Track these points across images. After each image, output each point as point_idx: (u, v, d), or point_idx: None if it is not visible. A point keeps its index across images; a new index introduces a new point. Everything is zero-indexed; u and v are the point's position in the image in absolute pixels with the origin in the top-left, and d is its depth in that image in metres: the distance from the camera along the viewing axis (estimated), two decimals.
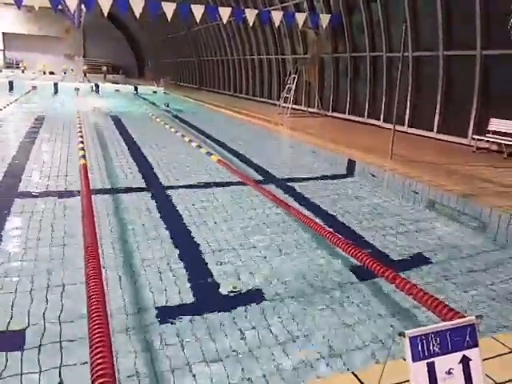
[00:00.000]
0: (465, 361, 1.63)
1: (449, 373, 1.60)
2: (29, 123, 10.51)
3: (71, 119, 11.18)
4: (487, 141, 8.27)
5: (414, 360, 1.57)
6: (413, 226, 4.75)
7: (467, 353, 1.63)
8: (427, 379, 1.58)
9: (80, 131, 9.21)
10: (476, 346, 1.65)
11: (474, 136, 8.51)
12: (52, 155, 7.24)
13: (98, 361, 2.05)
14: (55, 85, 21.77)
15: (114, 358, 2.12)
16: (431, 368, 1.59)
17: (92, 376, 1.95)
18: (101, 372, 1.98)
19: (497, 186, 5.62)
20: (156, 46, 36.11)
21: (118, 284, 3.14)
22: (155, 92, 23.47)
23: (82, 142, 7.87)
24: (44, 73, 37.65)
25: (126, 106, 17.09)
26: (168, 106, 16.58)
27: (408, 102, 10.57)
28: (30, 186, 5.50)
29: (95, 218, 4.03)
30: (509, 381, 1.83)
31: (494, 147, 8.35)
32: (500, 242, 4.32)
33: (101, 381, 1.91)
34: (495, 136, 8.04)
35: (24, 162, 6.62)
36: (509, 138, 7.79)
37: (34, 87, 21.22)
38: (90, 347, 2.15)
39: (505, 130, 7.92)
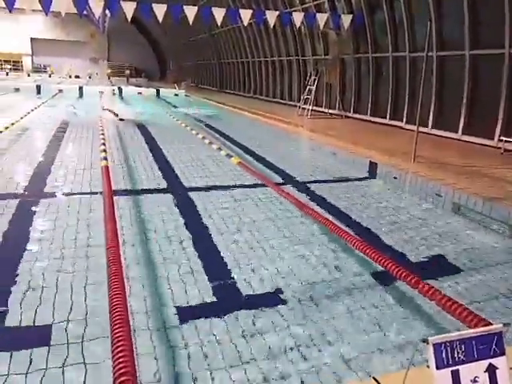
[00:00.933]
0: (491, 369, 1.58)
1: (474, 381, 1.56)
2: (54, 126, 10.87)
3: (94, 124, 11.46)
4: None
5: (438, 367, 1.54)
6: (436, 230, 4.64)
7: (494, 361, 1.59)
8: None
9: (102, 133, 9.45)
10: (503, 354, 1.61)
11: (502, 138, 8.24)
12: (76, 158, 7.46)
13: (120, 360, 2.11)
14: (80, 88, 22.42)
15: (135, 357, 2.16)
16: (456, 376, 1.55)
17: (114, 374, 2.00)
18: (123, 370, 2.03)
19: None
20: (177, 50, 36.66)
21: (139, 284, 3.21)
22: (176, 95, 23.81)
23: (104, 144, 8.07)
24: (70, 77, 38.83)
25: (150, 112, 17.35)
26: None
27: (432, 103, 10.34)
28: (55, 187, 5.67)
29: (117, 219, 4.14)
30: None
31: None
32: None
33: (122, 379, 1.96)
34: None
35: (50, 164, 6.85)
36: None
37: (61, 91, 21.93)
38: (112, 345, 2.21)
39: None
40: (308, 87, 14.28)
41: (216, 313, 2.85)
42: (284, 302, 3.01)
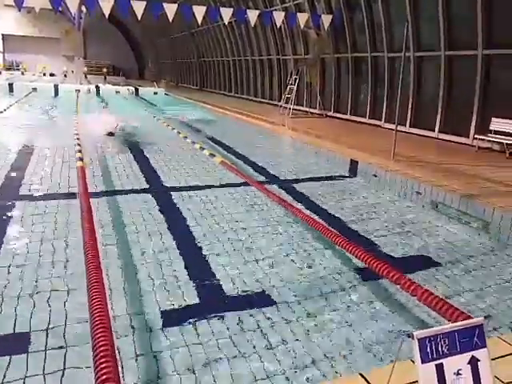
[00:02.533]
0: (473, 361, 1.63)
1: (458, 374, 1.60)
2: (27, 126, 10.51)
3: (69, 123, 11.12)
4: (489, 140, 8.27)
5: (422, 361, 1.57)
6: (415, 226, 4.75)
7: (476, 353, 1.63)
8: (436, 380, 1.58)
9: (76, 133, 9.19)
10: (484, 346, 1.65)
11: (476, 136, 8.51)
12: (51, 158, 7.24)
13: (102, 365, 2.05)
14: (55, 87, 21.76)
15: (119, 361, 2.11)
16: (440, 369, 1.59)
17: (96, 381, 1.94)
18: (105, 376, 1.97)
19: (499, 186, 5.61)
20: (157, 47, 36.15)
21: (120, 285, 3.14)
22: (156, 93, 23.45)
23: (79, 145, 7.84)
24: (44, 74, 37.68)
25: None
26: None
27: (410, 102, 10.57)
28: (31, 189, 5.49)
29: (94, 220, 4.04)
30: None
31: (496, 147, 8.35)
32: (502, 242, 4.31)
33: None
34: (497, 135, 8.03)
35: (24, 165, 6.63)
36: (510, 138, 7.78)
37: (35, 89, 21.22)
38: (94, 351, 2.15)
39: (507, 130, 7.92)
40: (289, 86, 14.35)
41: (199, 312, 2.83)
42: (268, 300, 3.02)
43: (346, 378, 1.86)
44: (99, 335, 2.26)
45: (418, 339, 1.58)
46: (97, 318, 2.40)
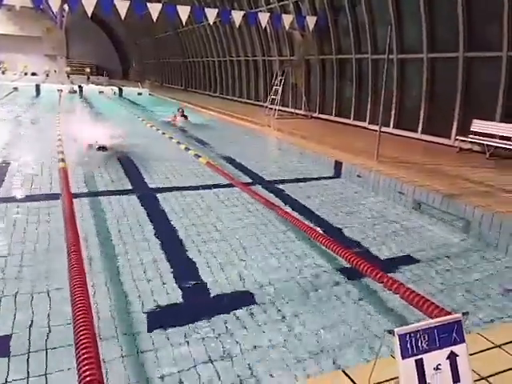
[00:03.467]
0: (452, 356, 1.66)
1: (437, 368, 1.63)
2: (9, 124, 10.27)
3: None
4: (470, 142, 8.46)
5: (403, 357, 1.60)
6: (398, 226, 4.82)
7: (454, 349, 1.67)
8: (416, 375, 1.61)
9: (59, 133, 9.03)
10: (463, 341, 1.69)
11: (458, 137, 8.69)
12: (33, 158, 7.10)
13: (85, 367, 2.02)
14: (37, 86, 21.33)
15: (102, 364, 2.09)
16: (420, 364, 1.62)
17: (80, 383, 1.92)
18: (88, 379, 1.95)
19: (480, 186, 5.75)
20: (141, 47, 35.80)
21: (103, 287, 3.10)
22: (140, 94, 23.22)
23: (60, 146, 7.71)
24: (26, 74, 36.87)
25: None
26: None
27: (393, 104, 10.74)
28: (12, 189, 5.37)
29: (77, 221, 3.99)
30: (494, 374, 1.87)
31: (477, 148, 8.55)
32: (483, 240, 4.42)
33: None
34: (478, 137, 8.23)
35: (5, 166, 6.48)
36: (491, 139, 7.98)
37: (16, 89, 20.75)
38: (77, 353, 2.12)
39: (487, 131, 8.11)
40: (274, 87, 14.40)
41: (184, 313, 2.81)
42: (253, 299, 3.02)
43: (328, 375, 1.88)
44: (82, 336, 2.23)
45: (399, 335, 1.60)
46: (80, 320, 2.37)
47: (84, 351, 2.12)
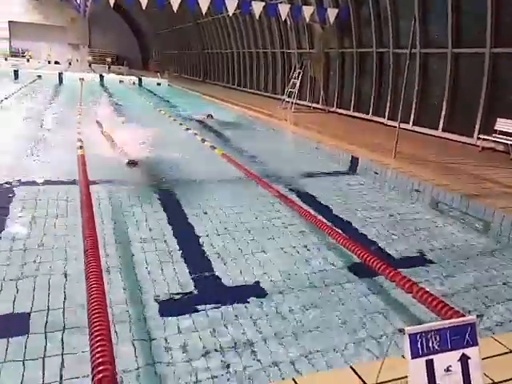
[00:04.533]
0: (464, 359, 1.63)
1: (447, 370, 1.61)
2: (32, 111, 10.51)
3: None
4: (493, 141, 8.21)
5: (412, 356, 1.57)
6: (414, 225, 4.74)
7: (467, 351, 1.64)
8: (426, 376, 1.58)
9: (78, 123, 9.17)
10: (476, 344, 1.65)
11: (480, 135, 8.45)
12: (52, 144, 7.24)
13: (98, 349, 2.08)
14: (60, 75, 21.71)
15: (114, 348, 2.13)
16: (430, 365, 1.59)
17: (92, 363, 1.97)
18: (101, 360, 2.00)
19: (501, 187, 5.59)
20: (161, 38, 35.96)
21: (118, 274, 3.16)
22: (159, 84, 23.35)
23: (79, 133, 7.83)
24: (49, 62, 37.57)
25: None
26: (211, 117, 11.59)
27: (414, 100, 10.50)
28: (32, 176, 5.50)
29: (94, 209, 4.06)
30: (507, 380, 1.82)
31: (500, 147, 8.30)
32: (503, 243, 4.30)
33: (100, 368, 1.94)
34: (501, 136, 7.98)
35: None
36: None
37: (39, 76, 21.17)
38: (90, 336, 2.18)
39: (511, 131, 7.86)
40: (292, 80, 14.27)
41: (196, 303, 2.84)
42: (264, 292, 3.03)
43: (336, 371, 1.87)
44: (96, 319, 2.29)
45: (409, 335, 1.58)
46: (94, 303, 2.43)
47: (97, 334, 2.18)
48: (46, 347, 2.30)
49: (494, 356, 1.98)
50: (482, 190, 5.30)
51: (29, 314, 2.59)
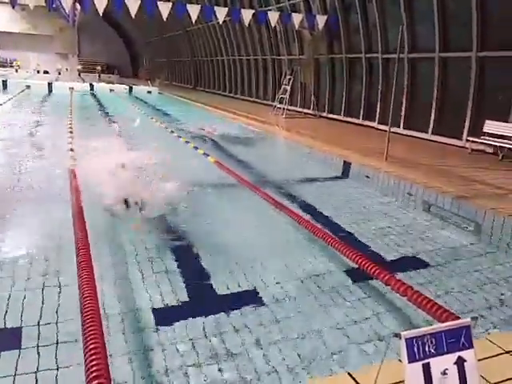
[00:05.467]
0: (460, 362, 1.64)
1: (444, 373, 1.61)
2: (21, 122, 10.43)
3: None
4: (482, 143, 8.33)
5: (409, 361, 1.58)
6: (407, 228, 4.77)
7: (462, 354, 1.64)
8: (423, 379, 1.58)
9: (71, 131, 9.10)
10: (471, 347, 1.66)
11: (469, 138, 8.57)
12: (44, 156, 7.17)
13: (93, 362, 2.05)
14: (49, 84, 21.60)
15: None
16: (426, 369, 1.59)
17: (87, 378, 1.94)
18: (96, 373, 1.98)
19: (492, 188, 5.66)
20: (151, 46, 36.01)
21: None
22: (149, 92, 23.37)
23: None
24: (38, 72, 37.37)
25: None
26: None
27: (403, 104, 10.63)
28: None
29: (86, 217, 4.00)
30: (503, 381, 1.84)
31: (489, 149, 8.41)
32: (494, 244, 4.35)
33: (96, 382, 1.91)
34: (490, 138, 8.10)
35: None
36: (504, 140, 7.85)
37: (28, 86, 21.04)
38: (85, 347, 2.15)
39: (500, 132, 7.98)
40: (283, 87, 14.36)
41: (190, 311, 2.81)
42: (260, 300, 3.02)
43: (333, 377, 1.87)
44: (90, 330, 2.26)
45: (406, 339, 1.58)
46: (88, 314, 2.41)
47: (92, 343, 2.15)
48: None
49: (489, 357, 2.00)
50: (472, 192, 5.37)
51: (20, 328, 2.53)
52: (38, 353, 2.33)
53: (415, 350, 1.59)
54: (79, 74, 37.03)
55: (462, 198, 5.05)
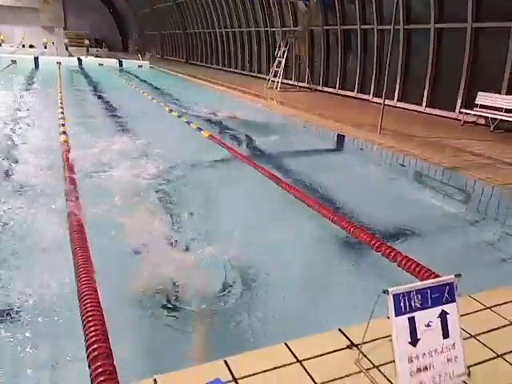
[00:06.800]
0: (443, 315, 1.75)
1: (428, 325, 1.73)
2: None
3: None
4: (474, 115, 8.37)
5: (396, 314, 1.69)
6: (400, 198, 4.88)
7: (445, 307, 1.76)
8: (408, 331, 1.70)
9: (61, 106, 8.95)
10: (454, 301, 1.78)
11: (462, 110, 8.60)
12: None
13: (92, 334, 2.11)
14: (36, 59, 20.96)
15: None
16: (412, 321, 1.71)
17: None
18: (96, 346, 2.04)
19: (482, 159, 5.75)
20: (141, 18, 34.91)
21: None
22: (140, 66, 22.83)
23: (63, 119, 7.63)
24: (23, 46, 36.21)
25: None
26: None
27: (398, 77, 10.55)
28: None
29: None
30: (483, 333, 1.97)
31: (481, 121, 8.47)
32: (482, 213, 4.48)
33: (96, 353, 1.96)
34: (482, 109, 8.13)
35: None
36: (495, 112, 7.89)
37: (14, 61, 20.40)
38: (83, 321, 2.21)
39: (491, 104, 8.01)
40: (277, 59, 14.13)
41: None
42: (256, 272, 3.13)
43: (325, 334, 1.99)
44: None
45: (393, 295, 1.69)
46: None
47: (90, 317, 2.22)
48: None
49: (471, 313, 2.12)
50: (463, 162, 5.46)
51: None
52: None
53: (401, 304, 1.70)
54: (66, 48, 35.95)
55: (453, 169, 5.14)
